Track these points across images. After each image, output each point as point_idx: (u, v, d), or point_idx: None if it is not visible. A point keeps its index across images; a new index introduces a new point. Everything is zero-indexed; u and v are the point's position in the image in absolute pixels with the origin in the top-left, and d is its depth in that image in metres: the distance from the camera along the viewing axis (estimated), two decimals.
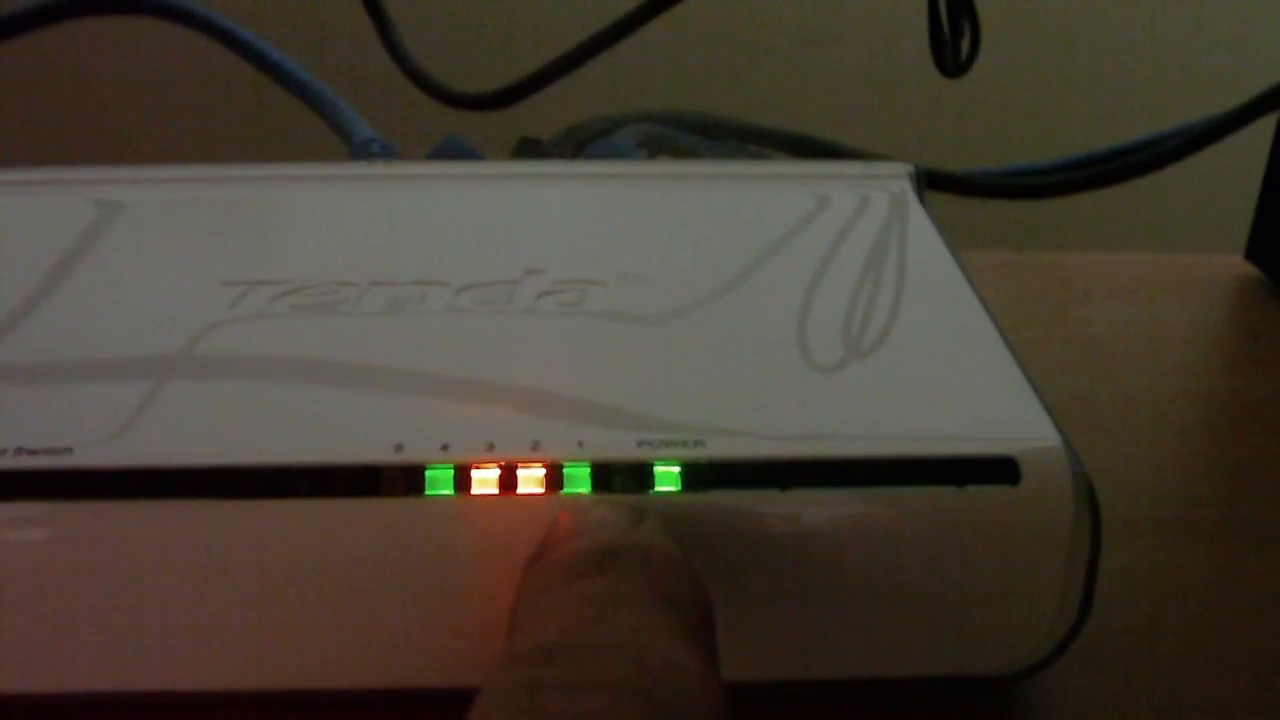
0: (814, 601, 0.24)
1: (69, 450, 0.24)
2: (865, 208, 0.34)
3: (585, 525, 0.22)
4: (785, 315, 0.28)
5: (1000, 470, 0.24)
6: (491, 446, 0.24)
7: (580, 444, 0.24)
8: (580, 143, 0.42)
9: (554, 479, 0.23)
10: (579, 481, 0.23)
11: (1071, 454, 0.24)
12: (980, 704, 0.26)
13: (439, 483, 0.23)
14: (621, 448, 0.24)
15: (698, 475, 0.23)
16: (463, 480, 0.23)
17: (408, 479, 0.23)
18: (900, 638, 0.25)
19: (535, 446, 0.24)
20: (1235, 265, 0.46)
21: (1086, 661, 0.26)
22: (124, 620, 0.24)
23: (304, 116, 0.45)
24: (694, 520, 0.23)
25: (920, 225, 0.33)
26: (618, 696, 0.18)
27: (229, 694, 0.25)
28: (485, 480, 0.23)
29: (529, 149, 0.41)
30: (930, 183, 0.37)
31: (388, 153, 0.41)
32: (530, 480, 0.23)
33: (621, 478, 0.23)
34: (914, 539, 0.24)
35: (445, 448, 0.24)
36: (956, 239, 0.32)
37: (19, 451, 0.24)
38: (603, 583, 0.20)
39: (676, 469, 0.23)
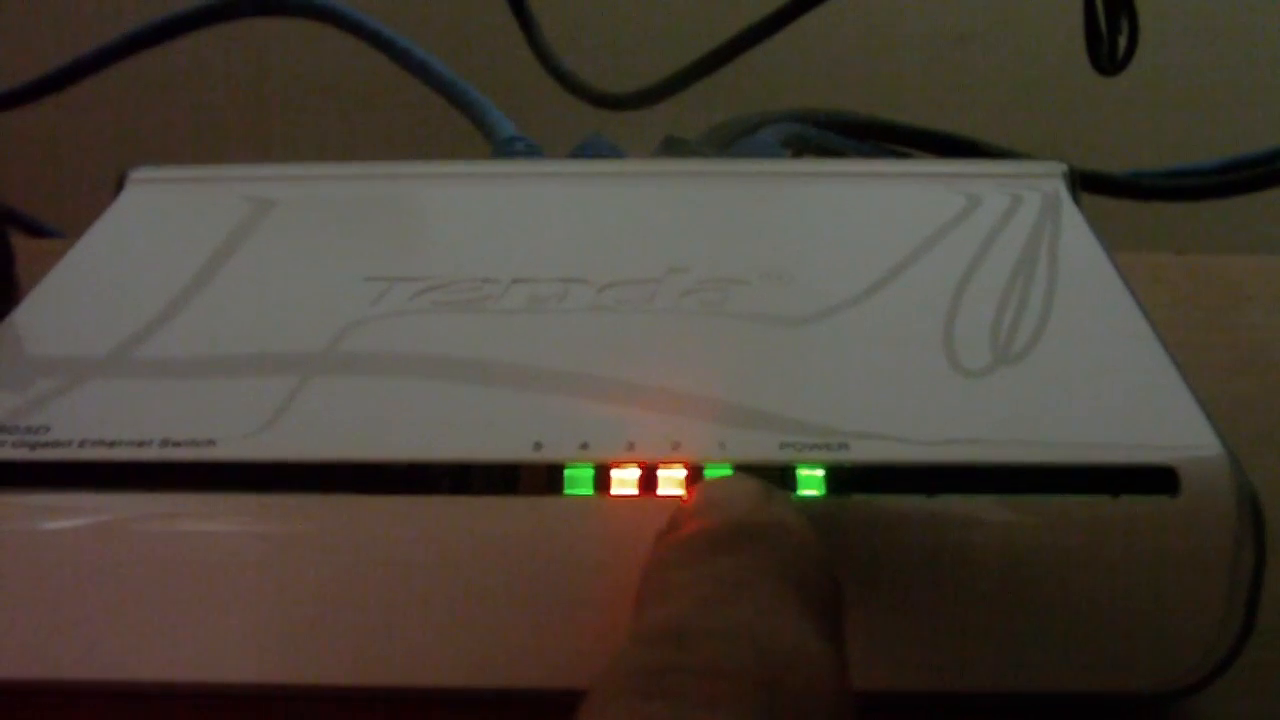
0: (958, 610, 0.24)
1: (212, 443, 0.24)
2: (1018, 208, 0.33)
3: (716, 501, 0.22)
4: (932, 317, 0.28)
5: (1158, 480, 0.23)
6: (632, 446, 0.23)
7: (722, 445, 0.23)
8: (724, 142, 0.41)
9: (695, 480, 0.23)
10: None
11: (1235, 465, 0.23)
12: None
13: (578, 482, 0.23)
14: (764, 449, 0.23)
15: (842, 479, 0.23)
16: (602, 480, 0.23)
17: (547, 477, 0.23)
18: (1047, 651, 0.24)
19: (676, 447, 0.23)
20: None
21: (1244, 684, 0.25)
22: (262, 613, 0.24)
23: (449, 115, 0.45)
24: (837, 524, 0.23)
25: (1075, 226, 0.32)
26: (741, 684, 0.18)
27: (365, 689, 0.25)
28: (625, 480, 0.23)
29: (673, 148, 0.41)
30: (1086, 184, 0.36)
31: (532, 151, 0.41)
32: (670, 481, 0.23)
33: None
34: (1065, 550, 0.23)
35: (585, 446, 0.23)
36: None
37: (164, 443, 0.24)
38: (731, 563, 0.20)
39: (820, 472, 0.23)
